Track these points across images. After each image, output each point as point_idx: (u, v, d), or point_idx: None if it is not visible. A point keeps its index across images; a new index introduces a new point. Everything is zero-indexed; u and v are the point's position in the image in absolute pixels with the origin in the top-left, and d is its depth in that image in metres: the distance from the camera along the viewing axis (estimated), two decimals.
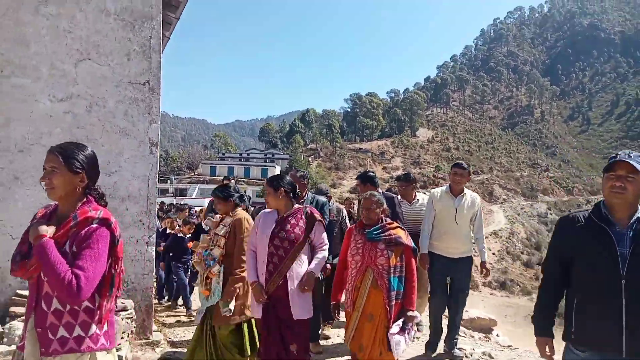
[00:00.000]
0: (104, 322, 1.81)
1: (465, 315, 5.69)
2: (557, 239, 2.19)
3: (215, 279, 3.25)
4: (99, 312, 1.78)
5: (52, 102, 3.79)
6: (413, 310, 3.08)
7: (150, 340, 3.97)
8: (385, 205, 3.22)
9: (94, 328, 1.76)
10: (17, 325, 3.30)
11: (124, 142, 3.97)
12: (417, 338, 4.60)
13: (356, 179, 4.74)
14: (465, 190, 4.22)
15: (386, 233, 3.11)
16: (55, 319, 1.71)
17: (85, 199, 1.84)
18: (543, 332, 2.17)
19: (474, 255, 4.32)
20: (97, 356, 1.76)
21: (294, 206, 3.20)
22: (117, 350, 3.58)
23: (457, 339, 4.35)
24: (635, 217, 1.97)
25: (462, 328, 5.15)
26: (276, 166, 62.23)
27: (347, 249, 3.22)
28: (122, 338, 3.47)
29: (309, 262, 3.11)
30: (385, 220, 3.19)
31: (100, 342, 1.77)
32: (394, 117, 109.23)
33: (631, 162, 1.90)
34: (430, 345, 4.30)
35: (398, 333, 2.96)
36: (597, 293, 1.98)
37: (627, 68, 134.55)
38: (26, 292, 3.62)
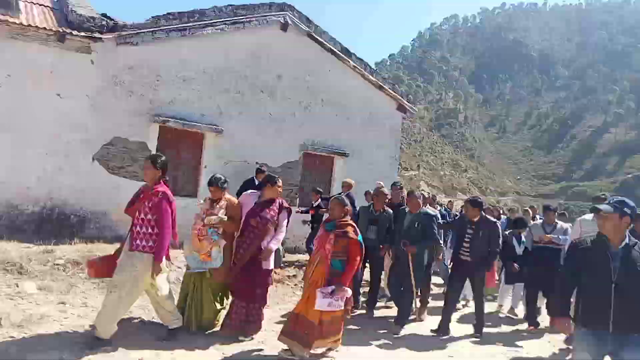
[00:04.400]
0: None
1: None
2: (571, 256, 3.05)
3: (216, 248, 4.34)
4: None
5: None
6: (344, 287, 3.97)
7: None
8: (348, 207, 4.32)
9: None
10: None
11: None
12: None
13: (468, 203, 5.76)
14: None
15: (337, 227, 4.12)
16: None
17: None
18: (563, 313, 3.00)
19: None
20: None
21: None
22: None
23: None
24: (624, 242, 2.78)
25: None
26: None
27: None
28: None
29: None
30: (344, 218, 4.20)
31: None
32: None
33: (599, 207, 2.87)
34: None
35: (324, 292, 3.88)
36: (596, 291, 2.79)
37: (542, 84, 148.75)
38: None
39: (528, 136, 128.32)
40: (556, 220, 6.09)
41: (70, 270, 5.91)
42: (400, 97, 11.38)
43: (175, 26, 8.35)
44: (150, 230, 3.86)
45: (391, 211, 6.09)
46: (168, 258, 4.10)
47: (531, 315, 6.16)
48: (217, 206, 4.45)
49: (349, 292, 4.08)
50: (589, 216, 5.12)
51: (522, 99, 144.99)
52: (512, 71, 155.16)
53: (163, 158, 4.05)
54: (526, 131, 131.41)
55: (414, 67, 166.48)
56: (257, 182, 8.28)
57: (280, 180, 4.62)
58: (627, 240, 2.81)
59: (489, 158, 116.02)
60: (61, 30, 7.21)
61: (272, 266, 4.54)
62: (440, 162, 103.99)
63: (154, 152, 8.34)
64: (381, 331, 5.41)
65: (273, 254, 4.46)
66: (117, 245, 4.29)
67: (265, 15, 9.36)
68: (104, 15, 8.07)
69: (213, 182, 4.45)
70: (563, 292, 3.04)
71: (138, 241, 3.85)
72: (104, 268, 4.05)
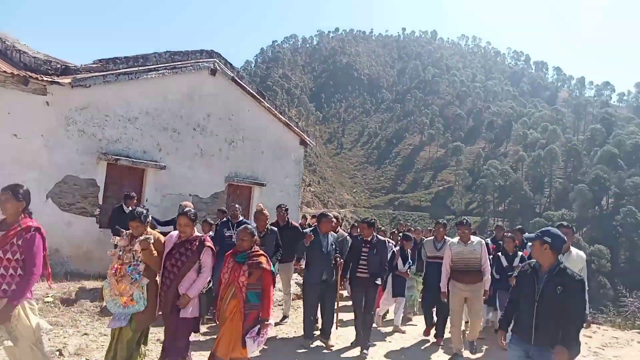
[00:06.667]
0: None
1: None
2: (517, 278, 3.60)
3: (139, 290, 3.75)
4: None
5: None
6: (267, 319, 3.83)
7: None
8: (256, 237, 4.06)
9: None
10: None
11: None
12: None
13: (360, 222, 6.32)
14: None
15: (250, 258, 3.92)
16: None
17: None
18: (503, 327, 3.65)
19: None
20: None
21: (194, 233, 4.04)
22: None
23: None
24: (551, 267, 3.20)
25: None
26: None
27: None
28: None
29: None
30: (254, 249, 3.99)
31: None
32: None
33: (527, 235, 3.48)
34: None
35: (253, 337, 3.74)
36: (524, 308, 3.29)
37: (371, 105, 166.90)
38: None
39: (361, 152, 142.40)
40: (445, 237, 6.63)
41: (60, 307, 6.45)
42: (302, 133, 13.42)
43: (123, 70, 9.01)
44: (20, 271, 3.34)
45: (275, 229, 6.60)
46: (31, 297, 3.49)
47: (435, 327, 6.73)
48: (137, 242, 3.83)
49: (272, 323, 4.02)
50: (455, 239, 5.94)
51: (355, 118, 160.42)
52: (346, 92, 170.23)
53: (25, 188, 3.55)
54: (359, 147, 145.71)
55: (258, 83, 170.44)
56: (126, 210, 7.33)
57: (192, 210, 4.18)
58: (556, 265, 3.23)
59: (329, 173, 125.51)
60: (25, 74, 7.44)
61: (190, 314, 3.92)
62: None
63: (102, 188, 8.86)
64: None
65: (196, 300, 3.97)
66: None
67: (198, 61, 10.50)
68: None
69: (135, 217, 3.85)
70: (505, 311, 3.64)
71: (5, 286, 3.28)
72: None
